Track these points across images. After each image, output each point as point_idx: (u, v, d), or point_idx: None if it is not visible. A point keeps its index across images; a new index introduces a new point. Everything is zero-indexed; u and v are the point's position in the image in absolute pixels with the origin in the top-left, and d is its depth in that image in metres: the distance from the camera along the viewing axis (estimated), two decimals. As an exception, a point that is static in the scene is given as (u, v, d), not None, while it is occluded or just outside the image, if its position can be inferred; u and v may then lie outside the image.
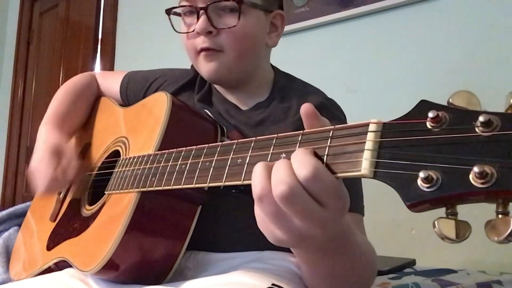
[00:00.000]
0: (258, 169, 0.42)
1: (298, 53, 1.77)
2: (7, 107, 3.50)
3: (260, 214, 0.43)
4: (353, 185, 0.73)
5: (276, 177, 0.40)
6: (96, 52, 2.92)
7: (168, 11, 0.80)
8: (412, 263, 1.25)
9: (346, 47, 1.76)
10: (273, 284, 0.62)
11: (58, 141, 0.84)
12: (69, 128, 0.93)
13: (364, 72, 1.69)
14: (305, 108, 0.45)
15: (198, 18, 0.75)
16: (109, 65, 2.77)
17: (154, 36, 2.50)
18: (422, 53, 1.56)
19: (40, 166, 0.81)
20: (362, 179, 0.76)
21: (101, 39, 2.91)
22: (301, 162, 0.40)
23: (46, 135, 0.87)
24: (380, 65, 1.66)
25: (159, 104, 0.73)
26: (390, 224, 1.51)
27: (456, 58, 1.48)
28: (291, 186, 0.39)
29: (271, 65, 0.88)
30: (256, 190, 0.41)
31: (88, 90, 0.99)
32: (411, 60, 1.59)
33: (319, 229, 0.42)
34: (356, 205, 0.71)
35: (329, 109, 0.78)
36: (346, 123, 0.79)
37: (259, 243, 0.70)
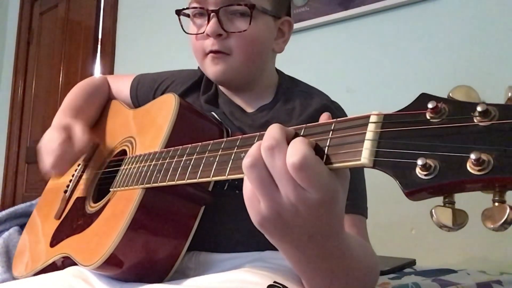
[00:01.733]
0: (255, 145, 0.44)
1: (298, 53, 1.77)
2: (7, 107, 3.51)
3: (248, 186, 0.44)
4: (357, 187, 0.73)
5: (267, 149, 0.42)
6: (96, 52, 2.92)
7: (178, 12, 0.80)
8: (412, 263, 1.25)
9: (346, 47, 1.76)
10: (274, 282, 0.62)
11: (68, 121, 0.85)
12: (83, 120, 0.93)
13: (364, 72, 1.69)
14: (324, 118, 0.46)
15: (208, 21, 0.75)
16: (109, 65, 2.77)
17: (154, 36, 2.50)
18: (422, 53, 1.56)
19: (48, 142, 0.81)
20: (365, 178, 0.77)
21: (101, 39, 2.91)
22: (295, 149, 0.40)
23: (57, 123, 0.88)
24: (380, 65, 1.66)
25: (166, 105, 0.74)
26: (390, 224, 1.51)
27: (457, 58, 1.48)
28: (278, 140, 0.41)
29: (276, 69, 0.89)
30: (246, 160, 0.43)
31: (101, 90, 1.01)
32: (411, 60, 1.59)
33: (302, 208, 0.42)
34: (359, 207, 0.72)
35: (333, 112, 0.78)
36: None
37: (260, 244, 0.70)
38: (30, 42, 3.49)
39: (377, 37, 1.68)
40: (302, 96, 0.82)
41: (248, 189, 0.44)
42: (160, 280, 0.68)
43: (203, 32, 0.76)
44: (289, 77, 0.89)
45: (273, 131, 0.43)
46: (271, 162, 0.41)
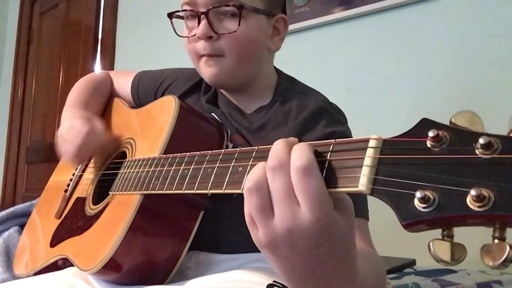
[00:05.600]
0: (258, 166, 0.42)
1: (298, 53, 1.77)
2: (7, 107, 3.51)
3: (247, 212, 0.43)
4: None
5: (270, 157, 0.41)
6: (96, 52, 2.92)
7: (170, 15, 0.80)
8: (412, 263, 1.25)
9: (346, 47, 1.76)
10: (274, 281, 0.62)
11: (87, 114, 0.87)
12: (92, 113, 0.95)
13: (364, 72, 1.69)
14: None
15: (199, 23, 0.74)
16: (109, 65, 2.77)
17: (154, 36, 2.50)
18: (422, 53, 1.56)
19: (71, 130, 0.82)
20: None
21: (101, 39, 2.91)
22: (300, 153, 0.39)
23: (73, 114, 0.89)
24: (380, 65, 1.66)
25: (166, 108, 0.74)
26: (390, 224, 1.50)
27: (456, 58, 1.48)
28: (281, 161, 0.39)
29: (275, 68, 0.87)
30: (247, 184, 0.41)
31: (104, 85, 1.02)
32: (411, 60, 1.59)
33: (297, 234, 0.39)
34: (360, 210, 0.71)
35: (330, 113, 0.77)
36: (348, 127, 0.79)
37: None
38: (30, 42, 3.50)
39: (377, 37, 1.68)
40: (300, 97, 0.80)
41: (248, 216, 0.43)
42: (160, 282, 0.68)
43: (194, 35, 0.75)
44: (288, 77, 0.87)
45: (277, 150, 0.41)
46: (272, 181, 0.40)
